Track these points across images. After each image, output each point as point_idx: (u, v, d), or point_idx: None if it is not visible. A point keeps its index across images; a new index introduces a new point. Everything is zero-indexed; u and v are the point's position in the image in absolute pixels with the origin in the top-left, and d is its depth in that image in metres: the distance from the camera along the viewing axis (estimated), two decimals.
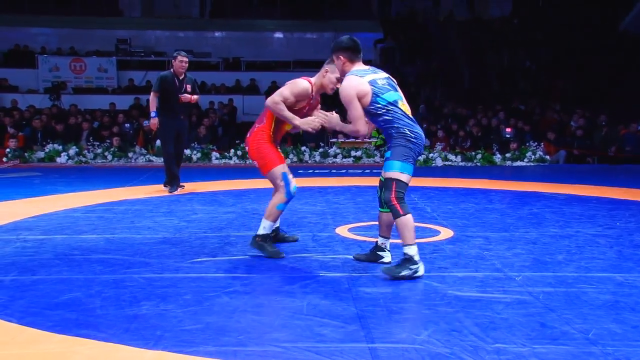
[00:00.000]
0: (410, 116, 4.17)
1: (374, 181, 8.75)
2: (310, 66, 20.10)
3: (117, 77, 18.65)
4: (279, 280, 4.01)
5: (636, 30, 19.97)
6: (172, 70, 7.88)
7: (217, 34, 22.03)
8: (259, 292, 3.77)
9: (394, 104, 4.10)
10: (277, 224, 4.96)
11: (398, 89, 4.23)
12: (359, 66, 4.25)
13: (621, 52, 18.96)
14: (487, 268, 4.29)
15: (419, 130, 4.13)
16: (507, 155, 12.65)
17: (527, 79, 19.25)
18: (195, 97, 7.99)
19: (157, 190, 8.21)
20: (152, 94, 7.88)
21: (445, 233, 5.48)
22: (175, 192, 7.91)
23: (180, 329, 3.13)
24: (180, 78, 7.86)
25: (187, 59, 7.86)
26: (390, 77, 4.29)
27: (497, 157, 12.57)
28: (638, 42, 19.17)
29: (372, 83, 4.09)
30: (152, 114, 7.89)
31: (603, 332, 3.08)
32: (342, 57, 4.25)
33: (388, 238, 4.43)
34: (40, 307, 3.47)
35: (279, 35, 22.25)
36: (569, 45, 19.95)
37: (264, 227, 4.62)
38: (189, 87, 7.94)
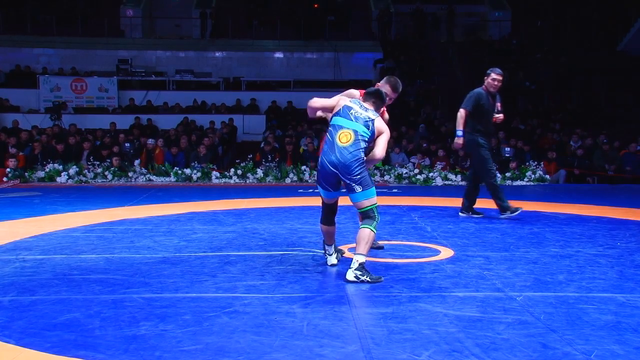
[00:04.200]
0: (339, 144, 4.53)
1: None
2: (311, 86, 20.27)
3: (117, 97, 18.75)
4: (279, 300, 3.99)
5: (634, 50, 20.13)
6: (483, 87, 7.38)
7: (217, 54, 22.20)
8: (258, 312, 3.75)
9: (333, 127, 4.63)
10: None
11: (359, 121, 4.59)
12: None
13: (619, 72, 19.08)
14: (487, 288, 4.28)
15: (327, 158, 4.56)
16: (507, 174, 12.65)
17: (526, 98, 19.35)
18: (502, 116, 7.54)
19: (157, 209, 8.20)
20: (462, 111, 7.33)
21: (446, 252, 5.46)
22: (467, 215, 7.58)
23: (180, 350, 3.11)
24: (492, 96, 7.39)
25: (501, 77, 7.34)
26: (367, 114, 4.65)
27: (497, 177, 12.56)
28: (636, 62, 19.29)
29: (345, 107, 4.67)
30: (459, 133, 7.30)
31: (605, 354, 3.06)
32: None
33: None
34: (39, 327, 3.46)
35: (279, 55, 22.41)
36: (567, 65, 20.08)
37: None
38: (499, 106, 7.45)
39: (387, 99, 5.10)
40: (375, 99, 4.81)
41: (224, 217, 7.61)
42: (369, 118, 4.63)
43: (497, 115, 7.43)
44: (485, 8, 24.17)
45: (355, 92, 5.10)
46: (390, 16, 22.97)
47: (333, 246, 5.04)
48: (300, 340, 3.24)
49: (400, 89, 5.27)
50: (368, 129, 4.58)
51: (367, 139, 4.58)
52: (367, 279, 4.37)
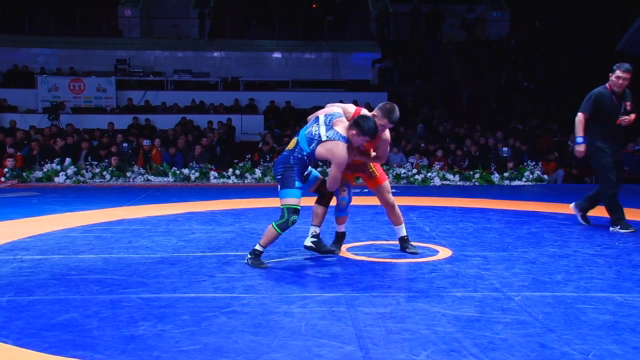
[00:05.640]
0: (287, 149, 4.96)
1: (372, 201, 8.73)
2: (309, 86, 20.26)
3: (115, 97, 18.72)
4: (277, 300, 3.99)
5: (632, 50, 20.13)
6: (607, 85, 6.54)
7: (215, 54, 22.18)
8: (257, 312, 3.75)
9: None
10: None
11: (309, 135, 4.81)
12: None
13: None
14: (485, 288, 4.28)
15: None
16: (505, 174, 12.65)
17: (524, 99, 19.36)
18: (633, 116, 6.58)
19: (155, 209, 8.19)
20: (580, 115, 6.52)
21: (444, 252, 5.47)
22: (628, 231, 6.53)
23: (178, 350, 3.11)
24: (618, 95, 6.53)
25: (628, 75, 6.41)
26: (320, 132, 4.78)
27: (495, 177, 12.57)
28: (634, 62, 19.29)
29: (314, 119, 4.93)
30: (579, 140, 6.55)
31: (603, 353, 3.06)
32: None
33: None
34: (37, 328, 3.45)
35: (277, 55, 22.39)
36: (566, 65, 20.09)
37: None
38: (628, 106, 6.57)
39: (380, 127, 4.87)
40: (353, 127, 4.73)
41: (222, 217, 7.61)
42: (317, 137, 4.74)
43: (623, 117, 6.54)
44: (482, 8, 24.14)
45: (351, 109, 5.07)
46: (388, 16, 22.96)
47: (313, 228, 5.20)
48: (299, 340, 3.24)
49: (396, 119, 4.95)
50: (309, 147, 4.76)
51: (304, 153, 4.77)
52: (250, 262, 4.87)
